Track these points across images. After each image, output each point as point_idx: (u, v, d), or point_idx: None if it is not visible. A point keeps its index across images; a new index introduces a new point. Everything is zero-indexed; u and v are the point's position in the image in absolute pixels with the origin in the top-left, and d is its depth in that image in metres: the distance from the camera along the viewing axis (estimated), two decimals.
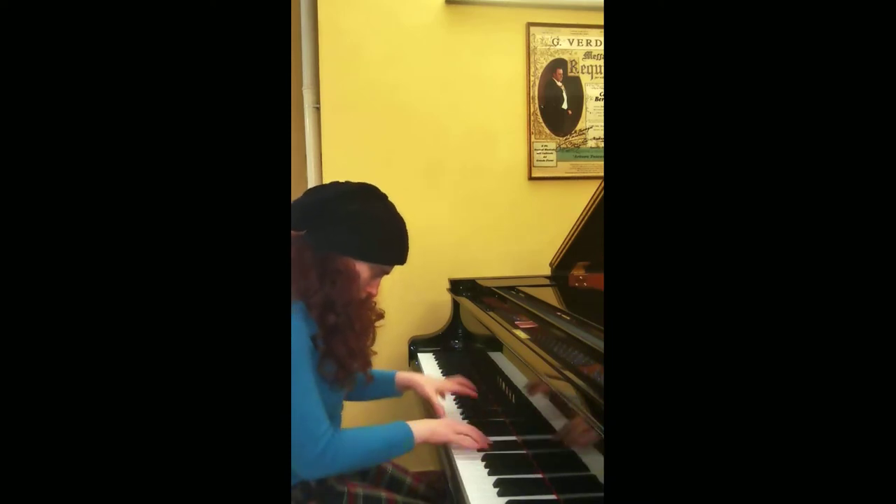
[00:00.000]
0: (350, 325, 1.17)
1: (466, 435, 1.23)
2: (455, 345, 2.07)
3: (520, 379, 1.32)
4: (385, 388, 1.47)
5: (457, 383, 1.47)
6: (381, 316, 1.28)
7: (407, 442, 1.18)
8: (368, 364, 1.27)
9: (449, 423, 1.26)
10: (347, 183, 1.23)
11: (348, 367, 1.19)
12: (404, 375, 1.49)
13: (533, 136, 2.33)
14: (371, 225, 1.20)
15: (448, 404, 1.50)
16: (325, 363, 1.16)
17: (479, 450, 1.22)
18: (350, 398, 1.42)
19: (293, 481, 1.18)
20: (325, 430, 1.09)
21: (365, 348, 1.23)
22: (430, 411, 1.43)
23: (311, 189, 1.25)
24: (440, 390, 1.45)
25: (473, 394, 1.46)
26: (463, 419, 1.40)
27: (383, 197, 1.25)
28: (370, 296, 1.24)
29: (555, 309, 1.58)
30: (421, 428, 1.21)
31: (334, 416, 1.23)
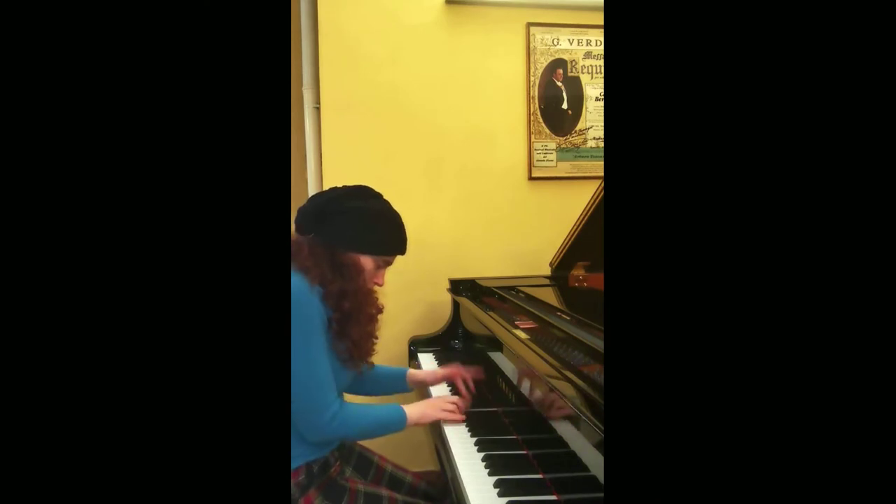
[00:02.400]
0: (361, 310, 1.28)
1: (452, 411, 1.36)
2: (455, 345, 2.07)
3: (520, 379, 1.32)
4: (396, 384, 1.56)
5: (457, 371, 1.55)
6: (380, 309, 1.37)
7: (400, 422, 1.30)
8: (373, 351, 1.36)
9: (436, 404, 1.37)
10: (344, 186, 1.33)
11: (360, 348, 1.30)
12: (415, 373, 1.58)
13: (533, 136, 2.33)
14: (369, 220, 1.29)
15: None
16: (339, 343, 1.27)
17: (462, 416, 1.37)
18: (358, 392, 1.50)
19: (299, 456, 1.22)
20: (334, 399, 1.20)
21: (373, 333, 1.34)
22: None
23: (311, 196, 1.34)
24: (448, 377, 1.55)
25: (474, 380, 1.53)
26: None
27: (378, 195, 1.35)
28: (377, 286, 1.35)
29: (555, 309, 1.58)
30: (413, 411, 1.32)
31: (340, 395, 1.33)
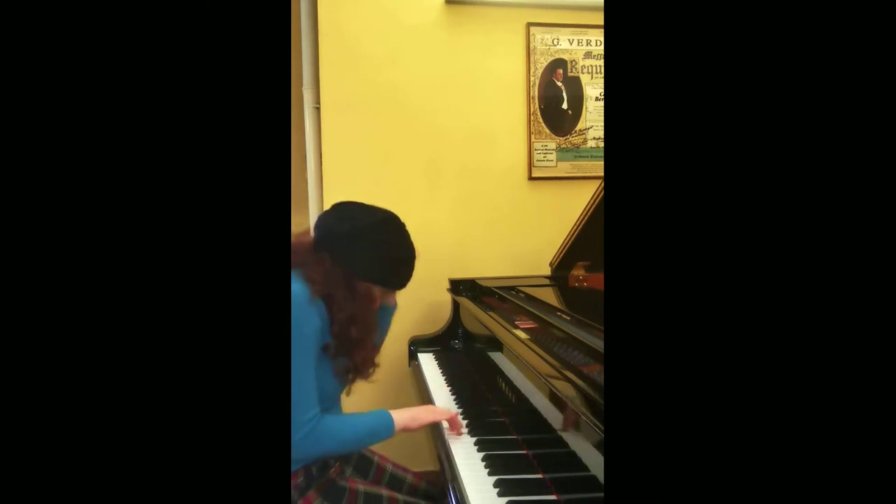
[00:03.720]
0: (368, 335, 1.30)
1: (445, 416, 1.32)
2: (455, 345, 2.07)
3: (520, 379, 1.32)
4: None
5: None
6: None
7: (387, 429, 1.26)
8: (371, 374, 1.36)
9: (429, 409, 1.34)
10: (375, 211, 1.30)
11: (360, 372, 1.31)
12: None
13: (533, 136, 2.33)
14: (392, 257, 1.31)
15: (447, 401, 1.55)
16: (340, 360, 1.27)
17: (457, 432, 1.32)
18: None
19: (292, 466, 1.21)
20: (312, 416, 1.16)
21: (373, 358, 1.35)
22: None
23: (340, 211, 1.32)
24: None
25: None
26: (462, 419, 1.40)
27: (403, 231, 1.34)
28: (389, 305, 1.42)
29: (555, 309, 1.58)
30: (402, 416, 1.28)
31: (335, 400, 1.33)
